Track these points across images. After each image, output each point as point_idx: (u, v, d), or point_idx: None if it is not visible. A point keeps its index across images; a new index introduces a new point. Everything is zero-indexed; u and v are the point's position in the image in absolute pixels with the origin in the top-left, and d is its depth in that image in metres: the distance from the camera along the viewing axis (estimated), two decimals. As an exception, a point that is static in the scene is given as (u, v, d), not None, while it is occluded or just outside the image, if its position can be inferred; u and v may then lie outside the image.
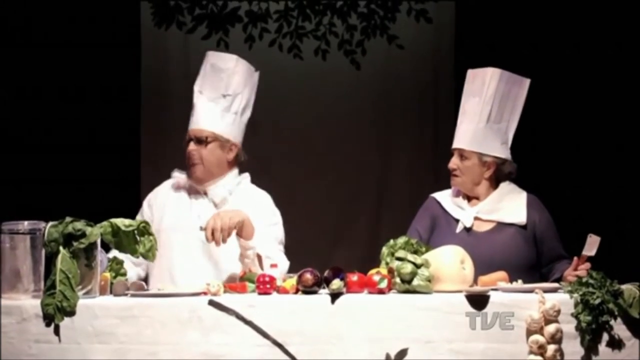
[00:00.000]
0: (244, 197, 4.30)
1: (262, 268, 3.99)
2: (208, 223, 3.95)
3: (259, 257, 4.03)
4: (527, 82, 4.29)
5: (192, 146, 4.30)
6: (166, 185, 4.42)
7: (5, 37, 6.63)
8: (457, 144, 4.26)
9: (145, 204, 4.40)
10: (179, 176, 4.37)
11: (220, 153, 4.31)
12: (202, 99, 4.33)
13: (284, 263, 4.14)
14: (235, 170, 4.38)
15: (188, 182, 4.34)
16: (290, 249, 6.43)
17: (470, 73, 4.30)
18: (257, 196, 4.35)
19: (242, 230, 3.98)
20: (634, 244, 6.05)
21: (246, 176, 4.40)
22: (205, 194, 4.31)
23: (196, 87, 4.35)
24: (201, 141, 4.29)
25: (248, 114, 4.40)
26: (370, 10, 7.10)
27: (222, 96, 4.31)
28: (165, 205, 4.33)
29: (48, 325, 3.37)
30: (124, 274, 3.84)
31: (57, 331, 3.37)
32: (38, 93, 6.78)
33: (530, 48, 6.64)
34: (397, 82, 7.26)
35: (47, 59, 6.75)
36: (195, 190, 4.33)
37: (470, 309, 3.36)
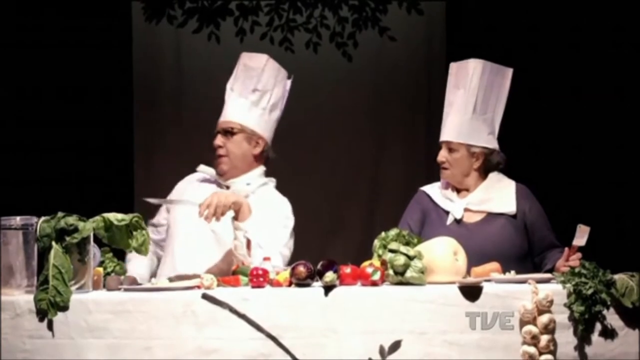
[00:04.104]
0: (263, 199, 4.29)
1: (249, 254, 3.99)
2: (205, 200, 3.97)
3: (249, 242, 4.02)
4: (509, 71, 4.30)
5: (218, 139, 4.34)
6: (192, 177, 4.44)
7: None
8: (444, 136, 4.26)
9: (174, 191, 4.42)
10: (204, 170, 4.38)
11: (247, 146, 4.34)
12: (232, 96, 4.37)
13: (278, 261, 4.07)
14: (262, 168, 4.39)
15: (213, 176, 4.35)
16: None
17: (453, 66, 4.31)
18: (277, 202, 4.34)
19: (238, 214, 4.00)
20: (628, 233, 6.05)
21: (272, 180, 4.41)
22: (228, 188, 4.30)
23: (228, 85, 4.41)
24: (228, 133, 4.32)
25: (278, 113, 4.44)
26: (362, 2, 7.09)
27: (252, 91, 4.34)
28: (184, 195, 4.33)
29: (41, 320, 3.37)
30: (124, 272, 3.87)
31: (50, 326, 3.37)
32: (25, 91, 6.74)
33: (522, 38, 6.63)
34: (389, 73, 7.25)
35: (38, 57, 6.70)
36: (218, 184, 4.34)
37: (466, 302, 3.36)
